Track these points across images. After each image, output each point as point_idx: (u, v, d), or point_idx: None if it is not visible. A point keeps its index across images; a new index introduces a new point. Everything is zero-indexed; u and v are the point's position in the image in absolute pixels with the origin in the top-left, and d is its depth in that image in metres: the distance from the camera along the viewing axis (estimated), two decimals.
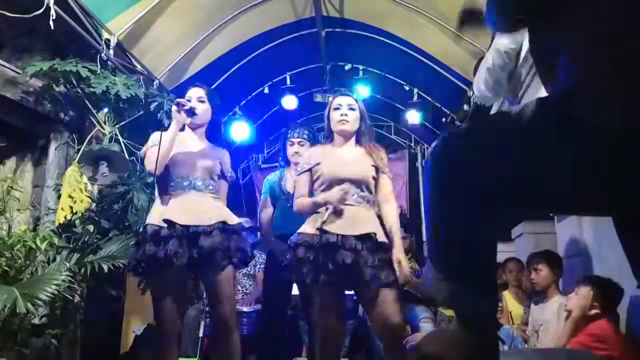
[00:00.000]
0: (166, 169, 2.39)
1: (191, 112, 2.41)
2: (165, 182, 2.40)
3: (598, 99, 0.84)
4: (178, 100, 2.40)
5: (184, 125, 2.52)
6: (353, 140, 2.47)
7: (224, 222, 2.33)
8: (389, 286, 2.22)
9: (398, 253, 2.28)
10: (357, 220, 2.26)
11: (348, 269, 2.17)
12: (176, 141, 2.42)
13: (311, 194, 2.43)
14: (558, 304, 2.83)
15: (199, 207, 2.34)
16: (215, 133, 2.59)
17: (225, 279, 2.31)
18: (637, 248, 1.07)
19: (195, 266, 2.31)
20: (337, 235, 2.21)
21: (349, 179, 2.33)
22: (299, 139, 3.05)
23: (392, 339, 2.19)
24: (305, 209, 2.38)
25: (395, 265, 2.26)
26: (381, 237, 2.27)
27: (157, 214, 2.33)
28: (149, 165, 2.36)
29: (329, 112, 2.49)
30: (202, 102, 2.49)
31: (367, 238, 2.23)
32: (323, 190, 2.35)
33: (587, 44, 0.88)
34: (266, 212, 3.11)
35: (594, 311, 2.36)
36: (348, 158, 2.41)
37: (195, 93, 2.50)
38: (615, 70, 0.84)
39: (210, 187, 2.43)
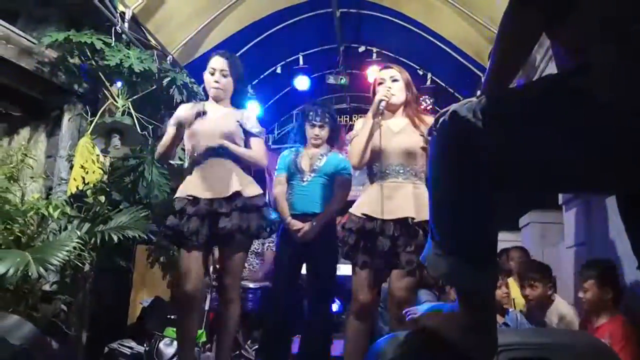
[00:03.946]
0: (189, 141, 2.49)
1: (203, 115, 2.41)
2: (191, 154, 2.50)
3: (606, 75, 0.84)
4: (198, 110, 2.39)
5: (207, 96, 2.61)
6: (401, 111, 2.48)
7: (239, 194, 2.37)
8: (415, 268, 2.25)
9: None
10: (398, 202, 2.27)
11: (386, 254, 2.24)
12: None
13: (370, 169, 2.43)
14: (557, 316, 2.84)
15: (218, 176, 2.40)
16: (240, 99, 2.64)
17: (238, 255, 2.44)
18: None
19: (216, 241, 2.45)
20: (377, 220, 2.25)
21: (397, 151, 2.34)
22: (320, 123, 3.03)
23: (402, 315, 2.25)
24: (361, 136, 2.35)
25: None
26: (420, 216, 2.24)
27: (183, 188, 2.45)
28: (157, 155, 2.59)
29: (374, 89, 2.50)
30: (225, 76, 2.51)
31: (405, 222, 2.24)
32: (372, 167, 2.40)
33: (596, 24, 0.88)
34: (281, 189, 3.04)
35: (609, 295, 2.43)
36: (396, 130, 2.41)
37: (219, 65, 2.50)
38: (622, 49, 0.84)
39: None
